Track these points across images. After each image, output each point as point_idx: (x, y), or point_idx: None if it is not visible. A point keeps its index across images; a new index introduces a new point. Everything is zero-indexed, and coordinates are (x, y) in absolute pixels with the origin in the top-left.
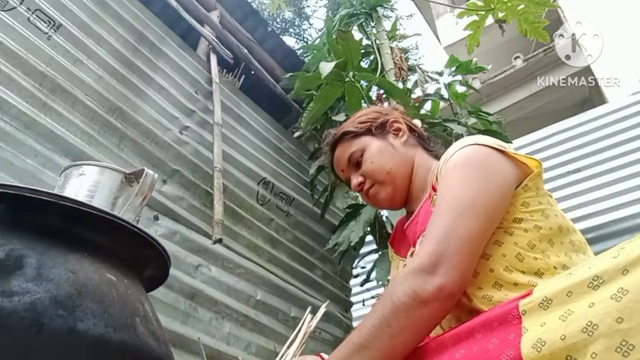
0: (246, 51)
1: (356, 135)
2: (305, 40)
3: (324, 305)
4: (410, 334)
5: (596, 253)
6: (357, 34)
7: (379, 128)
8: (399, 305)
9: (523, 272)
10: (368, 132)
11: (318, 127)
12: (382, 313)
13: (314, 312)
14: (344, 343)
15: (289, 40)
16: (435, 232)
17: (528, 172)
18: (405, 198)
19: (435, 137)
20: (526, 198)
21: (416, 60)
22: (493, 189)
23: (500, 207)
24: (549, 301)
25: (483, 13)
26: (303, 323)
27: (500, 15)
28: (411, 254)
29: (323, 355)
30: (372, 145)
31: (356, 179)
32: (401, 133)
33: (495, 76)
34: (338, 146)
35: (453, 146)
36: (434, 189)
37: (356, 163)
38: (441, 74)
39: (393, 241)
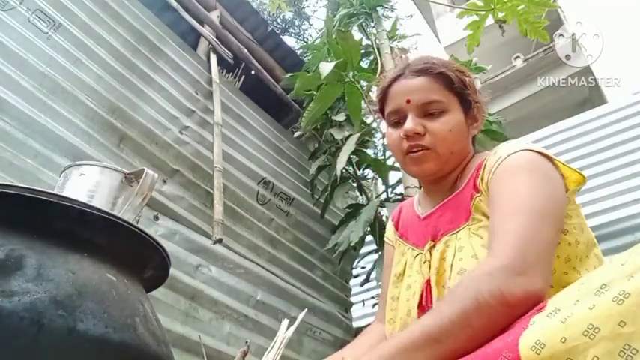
0: (246, 51)
1: (451, 88)
2: (305, 40)
3: (302, 314)
4: (486, 335)
5: None
6: (357, 34)
7: (470, 105)
8: (484, 305)
9: (551, 287)
10: (461, 98)
11: (318, 127)
12: (463, 310)
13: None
14: (414, 329)
15: (289, 40)
16: (515, 232)
17: (567, 185)
18: (441, 179)
19: None
20: (568, 210)
21: None
22: (559, 197)
23: (563, 216)
24: (557, 310)
25: (483, 13)
26: (279, 332)
27: (500, 15)
28: (430, 248)
29: None
30: (457, 115)
31: (415, 125)
32: (476, 125)
33: (495, 76)
34: (426, 76)
35: (501, 149)
36: (476, 189)
37: (429, 112)
38: None
39: (397, 223)
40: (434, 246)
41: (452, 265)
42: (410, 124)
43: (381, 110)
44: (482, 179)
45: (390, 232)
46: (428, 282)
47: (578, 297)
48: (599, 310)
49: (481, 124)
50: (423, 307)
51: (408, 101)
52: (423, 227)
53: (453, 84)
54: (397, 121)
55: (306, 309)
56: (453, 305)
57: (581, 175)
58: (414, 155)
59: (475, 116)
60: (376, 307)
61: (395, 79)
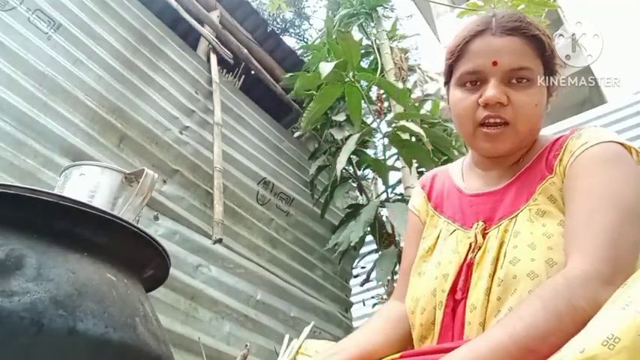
0: (246, 51)
1: (542, 55)
2: (305, 40)
3: (309, 327)
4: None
5: None
6: (357, 34)
7: (553, 78)
8: (580, 312)
9: None
10: (548, 67)
11: (318, 127)
12: (558, 315)
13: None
14: (503, 337)
15: (289, 40)
16: (605, 234)
17: None
18: (498, 157)
19: (434, 137)
20: None
21: (416, 60)
22: None
23: None
24: (587, 328)
25: (483, 12)
26: (286, 347)
27: None
28: (482, 230)
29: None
30: (543, 87)
31: (499, 92)
32: (551, 99)
33: None
34: (518, 37)
35: (588, 134)
36: (550, 170)
37: (515, 79)
38: (441, 74)
39: (430, 192)
40: (486, 229)
41: (505, 252)
42: (493, 90)
43: (450, 68)
44: (560, 161)
45: (418, 201)
46: (469, 266)
47: (606, 314)
48: (619, 321)
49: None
50: (455, 290)
51: (495, 63)
52: (468, 204)
53: (545, 51)
54: (473, 82)
55: (312, 323)
56: (547, 312)
57: None
58: (489, 131)
59: (551, 91)
60: (376, 307)
61: (478, 32)
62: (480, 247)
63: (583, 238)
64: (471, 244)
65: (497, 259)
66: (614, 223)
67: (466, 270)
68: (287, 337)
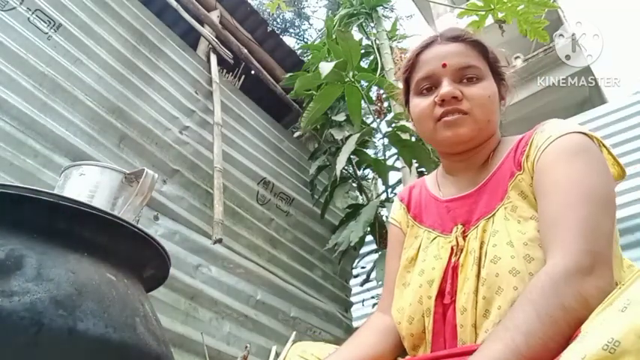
0: (246, 51)
1: (486, 57)
2: (305, 40)
3: (292, 337)
4: (567, 342)
5: None
6: (357, 34)
7: (502, 80)
8: (572, 312)
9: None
10: (495, 71)
11: (318, 127)
12: (553, 319)
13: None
14: (502, 346)
15: (289, 40)
16: (579, 227)
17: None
18: (470, 154)
19: None
20: None
21: None
22: (613, 186)
23: (615, 205)
24: (586, 333)
25: (483, 13)
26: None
27: (500, 15)
28: (462, 233)
29: None
30: (493, 84)
31: (452, 89)
32: (503, 102)
33: None
34: (461, 42)
35: (551, 127)
36: (519, 167)
37: (465, 78)
38: None
39: (409, 204)
40: (465, 232)
41: (486, 252)
42: (447, 87)
43: (406, 81)
44: (527, 157)
45: (398, 213)
46: (454, 269)
47: (604, 317)
48: (619, 325)
49: (505, 105)
50: (442, 295)
51: (444, 65)
52: (445, 210)
53: (488, 53)
54: (429, 87)
55: (295, 332)
56: (540, 315)
57: (622, 170)
58: (448, 119)
59: (502, 94)
60: (377, 307)
61: (426, 46)
62: (462, 250)
63: (561, 233)
64: (452, 248)
65: (479, 259)
66: (588, 215)
67: (452, 273)
68: (293, 334)
